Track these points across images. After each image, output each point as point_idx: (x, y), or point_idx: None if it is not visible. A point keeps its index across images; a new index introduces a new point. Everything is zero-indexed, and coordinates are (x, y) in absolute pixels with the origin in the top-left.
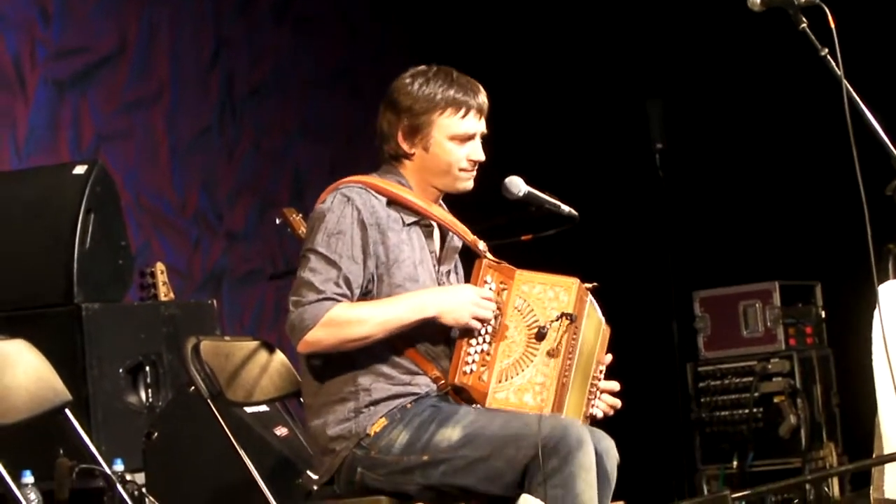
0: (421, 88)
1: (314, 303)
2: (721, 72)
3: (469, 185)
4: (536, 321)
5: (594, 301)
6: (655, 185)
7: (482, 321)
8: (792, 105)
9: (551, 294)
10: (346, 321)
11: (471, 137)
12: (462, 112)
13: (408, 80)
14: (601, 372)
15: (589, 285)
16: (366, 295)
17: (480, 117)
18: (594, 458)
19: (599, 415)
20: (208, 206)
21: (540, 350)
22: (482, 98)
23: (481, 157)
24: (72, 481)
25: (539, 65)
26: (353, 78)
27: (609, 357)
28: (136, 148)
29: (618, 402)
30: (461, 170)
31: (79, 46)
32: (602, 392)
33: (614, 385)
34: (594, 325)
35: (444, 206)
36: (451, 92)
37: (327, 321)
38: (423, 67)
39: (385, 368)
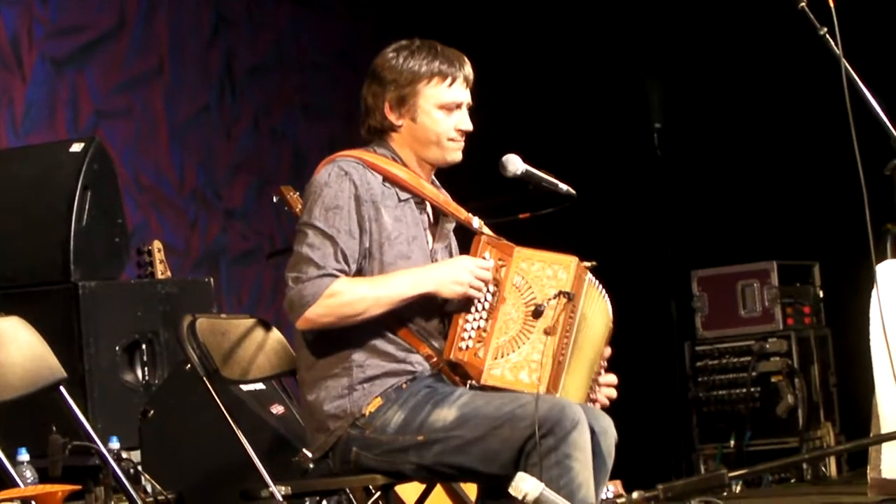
0: (406, 61)
1: (314, 279)
2: (721, 52)
3: (458, 156)
4: (534, 298)
5: (603, 290)
6: (654, 165)
7: (479, 290)
8: (791, 85)
9: (550, 272)
10: (345, 298)
11: (458, 107)
12: (448, 81)
13: (391, 55)
14: (603, 367)
15: (588, 264)
16: (358, 272)
17: (466, 87)
18: (589, 439)
19: (598, 406)
20: (206, 184)
21: (537, 328)
22: (468, 69)
23: (469, 126)
24: (64, 458)
25: (539, 43)
26: (353, 56)
27: (608, 350)
28: (135, 125)
29: (614, 395)
30: (450, 140)
31: (77, 24)
32: (601, 385)
33: (612, 378)
34: (601, 313)
35: (437, 183)
36: (437, 62)
37: (327, 298)
38: (405, 41)
39: (379, 345)
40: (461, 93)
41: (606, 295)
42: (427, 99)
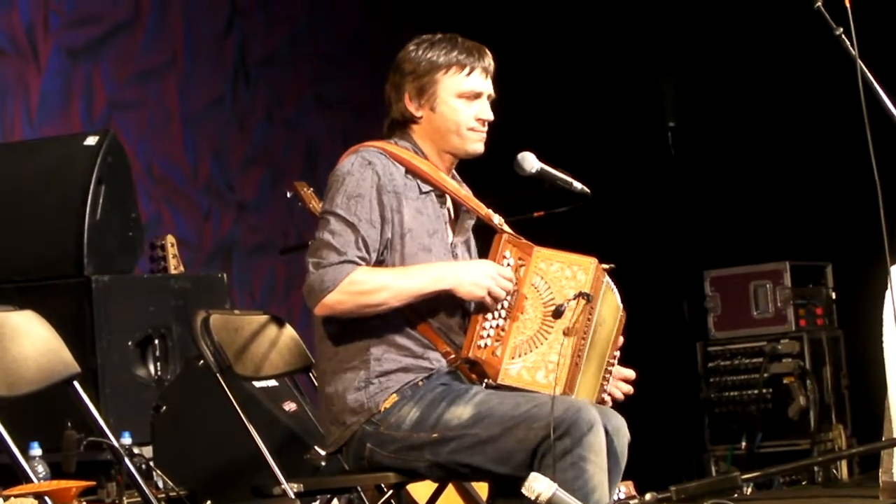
0: (425, 52)
1: (335, 265)
2: (735, 52)
3: (480, 147)
4: (553, 299)
5: (612, 283)
6: (667, 164)
7: (496, 299)
8: (806, 84)
9: (569, 273)
10: (365, 286)
11: (478, 96)
12: (466, 70)
13: (412, 47)
14: (615, 357)
15: (607, 266)
16: (379, 263)
17: (486, 76)
18: (605, 441)
19: (610, 401)
20: (219, 176)
21: (555, 328)
22: (487, 60)
23: (489, 116)
24: (79, 454)
25: (553, 41)
26: (368, 49)
27: (621, 340)
28: (149, 117)
29: (630, 390)
30: (470, 129)
31: (92, 15)
32: (616, 378)
33: (630, 373)
34: (612, 309)
35: (458, 178)
36: (455, 53)
37: (347, 285)
38: (427, 35)
39: (398, 339)
40: (480, 82)
41: (615, 288)
42: (446, 88)
